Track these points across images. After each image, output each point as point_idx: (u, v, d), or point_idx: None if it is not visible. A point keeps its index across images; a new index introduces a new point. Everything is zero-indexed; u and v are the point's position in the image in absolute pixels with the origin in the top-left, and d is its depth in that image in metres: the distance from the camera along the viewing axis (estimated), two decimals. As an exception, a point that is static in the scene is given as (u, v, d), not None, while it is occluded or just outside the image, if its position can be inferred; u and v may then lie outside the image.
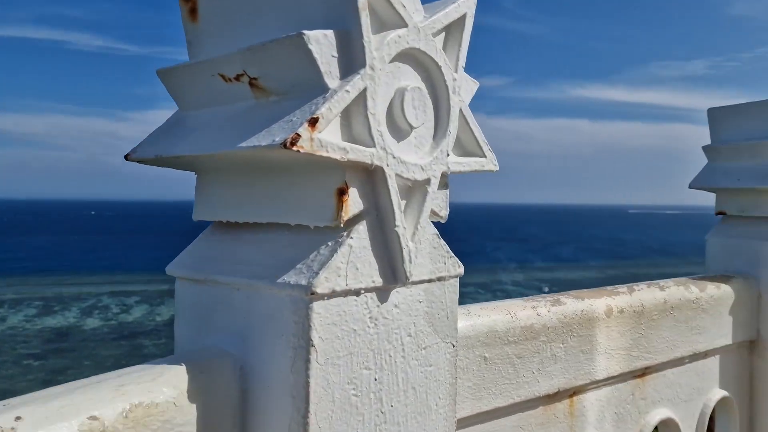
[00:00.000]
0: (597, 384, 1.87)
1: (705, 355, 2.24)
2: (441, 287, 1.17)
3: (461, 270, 1.20)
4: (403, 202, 1.07)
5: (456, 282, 1.19)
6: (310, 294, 0.93)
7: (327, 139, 0.90)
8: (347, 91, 0.92)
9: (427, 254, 1.13)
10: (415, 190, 1.09)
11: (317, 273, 0.94)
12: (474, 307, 1.62)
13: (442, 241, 1.16)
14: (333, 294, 0.97)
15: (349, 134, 0.97)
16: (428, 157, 1.11)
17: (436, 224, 1.19)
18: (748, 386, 2.42)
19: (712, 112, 2.54)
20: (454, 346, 1.19)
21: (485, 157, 1.24)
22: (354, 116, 0.96)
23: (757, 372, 2.40)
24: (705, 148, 2.58)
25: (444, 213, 1.17)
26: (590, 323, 1.84)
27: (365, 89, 0.95)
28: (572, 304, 1.84)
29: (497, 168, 1.25)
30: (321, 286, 0.94)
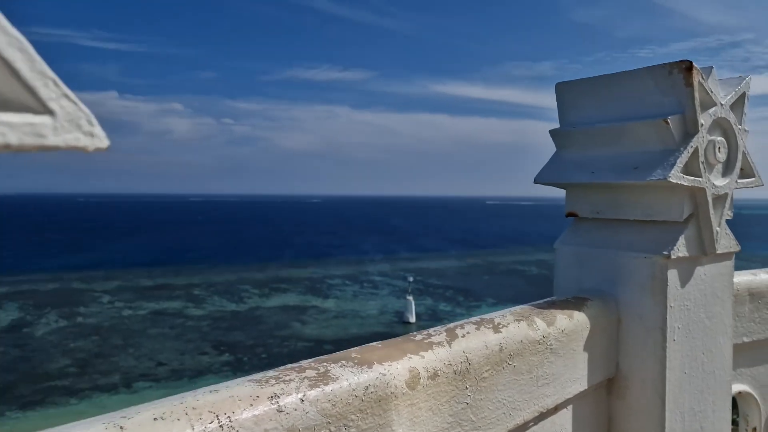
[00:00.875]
0: None
1: (555, 410, 1.62)
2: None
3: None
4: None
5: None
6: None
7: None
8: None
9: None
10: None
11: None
12: None
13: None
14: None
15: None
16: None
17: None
18: None
19: (560, 88, 1.92)
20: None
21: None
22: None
23: (617, 416, 1.81)
24: (553, 134, 1.96)
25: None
26: (382, 404, 1.13)
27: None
28: (350, 377, 1.10)
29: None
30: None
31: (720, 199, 1.74)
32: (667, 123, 1.58)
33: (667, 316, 1.65)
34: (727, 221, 1.82)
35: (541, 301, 1.74)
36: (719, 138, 1.70)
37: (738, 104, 1.77)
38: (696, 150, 1.61)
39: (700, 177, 1.64)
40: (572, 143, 1.92)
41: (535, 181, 1.96)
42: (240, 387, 0.97)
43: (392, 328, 73.10)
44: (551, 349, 1.55)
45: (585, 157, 1.87)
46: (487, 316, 1.50)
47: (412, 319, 77.10)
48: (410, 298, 79.70)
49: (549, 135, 1.97)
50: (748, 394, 2.15)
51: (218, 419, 0.88)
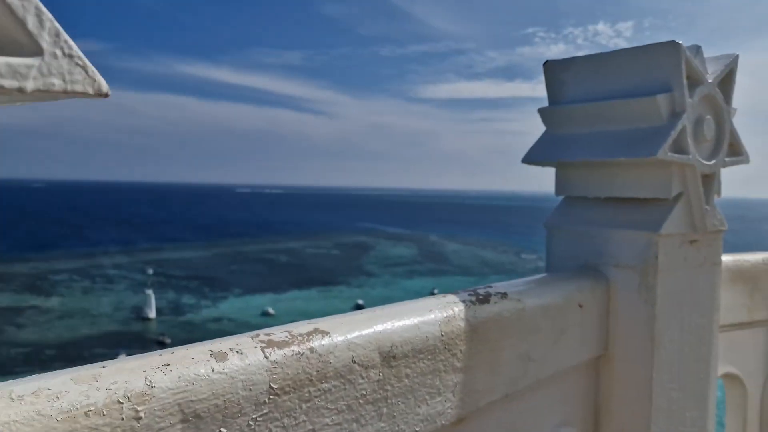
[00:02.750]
0: None
1: (544, 385, 1.58)
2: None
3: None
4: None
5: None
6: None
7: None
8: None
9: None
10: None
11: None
12: None
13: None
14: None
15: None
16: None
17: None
18: (593, 413, 1.81)
19: (549, 66, 1.90)
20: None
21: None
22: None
23: (605, 393, 1.79)
24: (542, 112, 1.91)
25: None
26: None
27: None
28: None
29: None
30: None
31: (709, 177, 1.77)
32: (656, 101, 1.60)
33: (657, 294, 1.66)
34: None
35: (532, 278, 1.68)
36: (707, 116, 1.72)
37: (726, 81, 1.80)
38: (684, 128, 1.62)
39: (689, 154, 1.65)
40: (561, 122, 1.88)
41: (524, 161, 1.90)
42: None
43: (129, 326, 67.63)
44: (538, 327, 1.49)
45: (574, 136, 1.85)
46: (479, 288, 1.41)
47: (152, 314, 72.44)
48: (150, 292, 74.68)
49: (538, 114, 1.93)
50: (734, 375, 2.23)
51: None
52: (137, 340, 62.45)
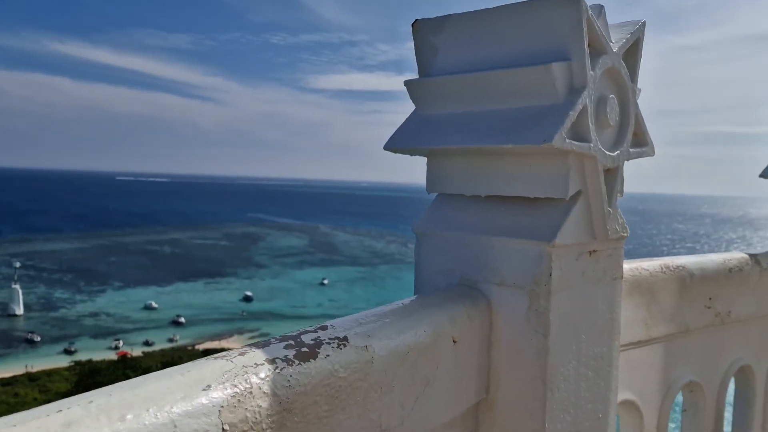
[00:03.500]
0: None
1: None
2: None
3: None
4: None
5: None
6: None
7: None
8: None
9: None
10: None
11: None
12: None
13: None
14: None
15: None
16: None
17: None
18: None
19: (419, 26, 1.51)
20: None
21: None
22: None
23: None
24: (409, 85, 1.51)
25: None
26: None
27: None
28: None
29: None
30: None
31: (611, 172, 1.44)
32: (550, 71, 1.26)
33: (550, 320, 1.33)
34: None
35: (388, 307, 1.25)
36: (611, 95, 1.38)
37: (631, 53, 1.47)
38: (585, 108, 1.29)
39: (590, 142, 1.30)
40: (433, 98, 1.47)
41: (386, 147, 1.49)
42: None
43: (-10, 323, 62.25)
44: (393, 383, 1.09)
45: (448, 117, 1.44)
46: (305, 333, 0.99)
47: (20, 310, 67.45)
48: (17, 286, 69.29)
49: (404, 86, 1.52)
50: (630, 402, 1.90)
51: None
52: (1, 339, 57.84)
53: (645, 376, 1.95)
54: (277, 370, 0.82)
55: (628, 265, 1.86)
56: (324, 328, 0.99)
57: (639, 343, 1.89)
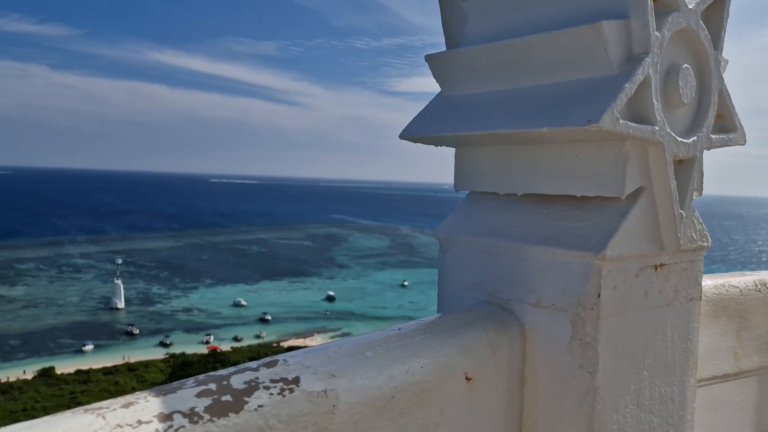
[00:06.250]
0: None
1: None
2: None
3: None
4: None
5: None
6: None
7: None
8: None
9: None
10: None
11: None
12: None
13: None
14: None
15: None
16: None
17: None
18: None
19: None
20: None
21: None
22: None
23: None
24: (431, 61, 1.27)
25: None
26: None
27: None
28: None
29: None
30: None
31: (686, 164, 1.13)
32: (600, 31, 0.97)
33: (599, 353, 1.04)
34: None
35: (378, 333, 0.99)
36: (684, 65, 1.08)
37: (714, 12, 1.14)
38: (648, 80, 1.00)
39: (655, 125, 1.03)
40: (460, 75, 1.22)
41: (402, 136, 1.27)
42: None
43: (96, 316, 66.83)
44: (370, 428, 0.85)
45: (478, 97, 1.18)
46: (245, 370, 0.75)
47: (121, 304, 71.75)
48: (119, 281, 73.84)
49: (425, 62, 1.30)
50: None
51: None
52: (105, 331, 61.83)
53: (732, 419, 1.59)
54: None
55: (712, 281, 1.55)
56: (272, 364, 0.73)
57: (725, 377, 1.55)
